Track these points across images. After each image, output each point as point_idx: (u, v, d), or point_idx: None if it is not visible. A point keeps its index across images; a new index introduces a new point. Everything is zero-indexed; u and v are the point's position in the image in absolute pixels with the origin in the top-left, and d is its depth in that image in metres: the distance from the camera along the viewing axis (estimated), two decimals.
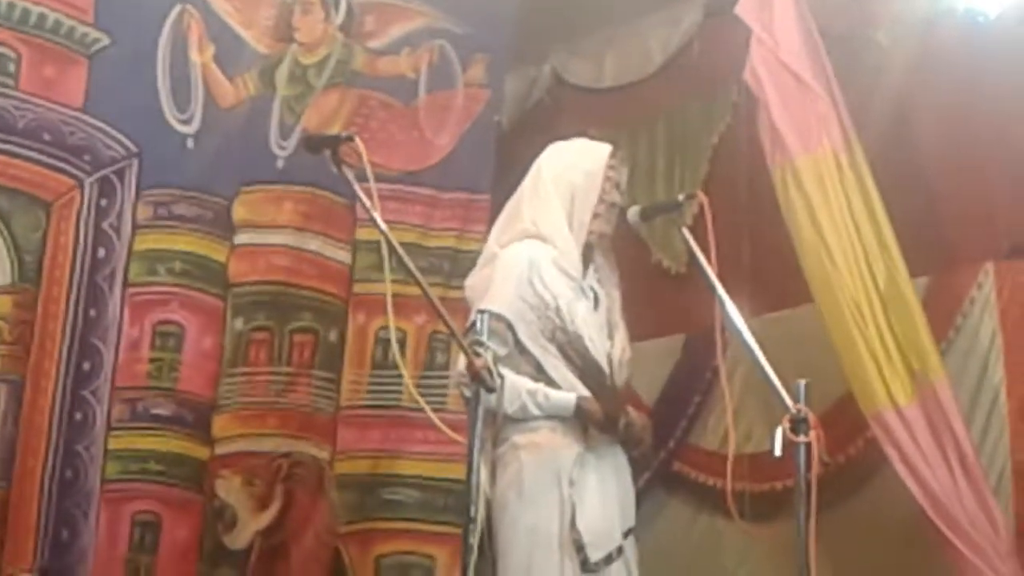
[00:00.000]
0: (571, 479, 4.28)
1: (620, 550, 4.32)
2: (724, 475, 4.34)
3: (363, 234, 5.89)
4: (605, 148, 4.59)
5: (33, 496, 5.14)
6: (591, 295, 4.51)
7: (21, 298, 5.21)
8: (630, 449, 4.46)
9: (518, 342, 4.34)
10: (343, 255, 5.96)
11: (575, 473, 4.30)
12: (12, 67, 5.23)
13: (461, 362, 4.01)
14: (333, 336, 5.93)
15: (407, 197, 6.07)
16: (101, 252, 5.39)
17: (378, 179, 3.81)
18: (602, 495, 4.34)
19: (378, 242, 4.17)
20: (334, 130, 5.75)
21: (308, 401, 5.83)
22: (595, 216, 4.48)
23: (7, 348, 5.16)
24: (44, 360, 5.22)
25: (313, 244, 5.90)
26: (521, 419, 4.31)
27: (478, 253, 5.95)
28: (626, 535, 4.37)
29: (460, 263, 6.03)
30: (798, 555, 3.74)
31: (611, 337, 4.52)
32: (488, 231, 5.99)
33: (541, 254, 4.41)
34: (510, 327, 4.32)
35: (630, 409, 4.46)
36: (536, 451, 4.31)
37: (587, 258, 4.52)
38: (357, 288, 5.97)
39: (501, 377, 3.82)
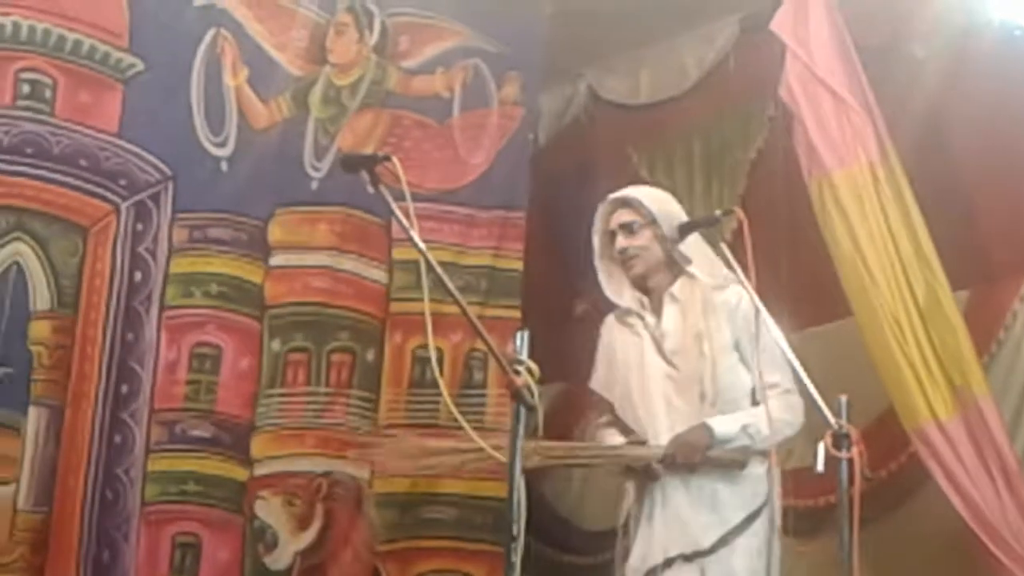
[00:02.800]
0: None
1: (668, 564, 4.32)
2: None
3: (399, 253, 5.90)
4: (603, 205, 4.69)
5: (74, 518, 5.16)
6: (659, 331, 4.52)
7: (60, 323, 5.23)
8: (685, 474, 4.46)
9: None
10: (379, 274, 5.96)
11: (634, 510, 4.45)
12: (48, 93, 5.25)
13: None
14: (370, 356, 5.93)
15: (442, 216, 6.07)
16: (138, 276, 5.41)
17: (413, 198, 3.80)
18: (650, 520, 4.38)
19: (415, 261, 4.17)
20: (369, 150, 5.74)
21: (346, 421, 5.83)
22: (608, 270, 4.64)
23: (46, 372, 5.19)
24: (83, 384, 5.24)
25: (348, 264, 5.91)
26: None
27: (514, 271, 6.00)
28: (692, 557, 4.35)
29: (497, 281, 6.04)
30: (842, 571, 3.72)
31: (702, 351, 4.49)
32: (523, 248, 6.04)
33: (609, 323, 4.67)
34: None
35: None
36: None
37: (649, 293, 4.57)
38: (394, 307, 5.97)
39: (540, 395, 3.82)
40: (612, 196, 4.67)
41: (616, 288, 4.64)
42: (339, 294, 5.90)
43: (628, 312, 4.59)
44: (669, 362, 4.48)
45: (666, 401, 4.45)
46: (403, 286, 5.91)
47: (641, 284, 4.58)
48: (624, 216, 4.59)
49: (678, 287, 4.54)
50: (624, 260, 4.56)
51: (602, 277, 4.67)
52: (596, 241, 4.66)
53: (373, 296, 5.97)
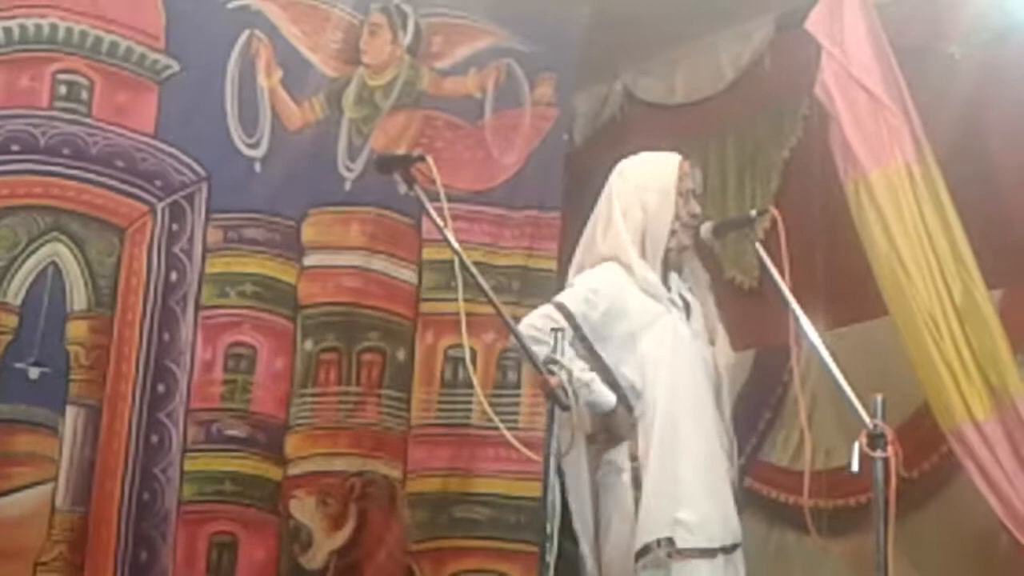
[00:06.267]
0: None
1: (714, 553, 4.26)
2: (795, 491, 4.31)
3: (429, 254, 5.91)
4: (673, 162, 4.53)
5: (112, 518, 5.19)
6: (681, 305, 4.46)
7: (97, 323, 5.27)
8: None
9: (583, 339, 4.32)
10: (409, 275, 5.97)
11: None
12: (85, 94, 5.29)
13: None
14: (401, 356, 5.94)
15: (473, 216, 6.06)
16: (173, 276, 5.44)
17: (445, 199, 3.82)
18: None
19: (444, 262, 4.19)
20: (401, 151, 5.75)
21: (378, 420, 5.85)
22: (672, 232, 4.44)
23: (84, 373, 5.22)
24: (120, 384, 5.27)
25: (379, 264, 5.92)
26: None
27: (548, 271, 5.98)
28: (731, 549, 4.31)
29: (530, 281, 6.03)
30: (877, 571, 3.72)
31: (712, 343, 4.47)
32: (558, 248, 6.01)
33: (622, 279, 4.39)
34: (570, 317, 4.31)
35: None
36: None
37: (669, 269, 4.48)
38: (424, 308, 5.97)
39: (576, 396, 3.81)
40: (683, 159, 4.57)
41: (637, 256, 4.42)
42: (370, 294, 5.90)
43: (652, 282, 4.43)
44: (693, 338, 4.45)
45: (693, 377, 4.40)
46: (432, 286, 5.92)
47: (670, 256, 4.49)
48: (698, 182, 4.55)
49: (690, 272, 4.52)
50: (692, 227, 4.47)
51: (627, 227, 4.45)
52: (655, 199, 4.47)
53: (403, 296, 5.97)
